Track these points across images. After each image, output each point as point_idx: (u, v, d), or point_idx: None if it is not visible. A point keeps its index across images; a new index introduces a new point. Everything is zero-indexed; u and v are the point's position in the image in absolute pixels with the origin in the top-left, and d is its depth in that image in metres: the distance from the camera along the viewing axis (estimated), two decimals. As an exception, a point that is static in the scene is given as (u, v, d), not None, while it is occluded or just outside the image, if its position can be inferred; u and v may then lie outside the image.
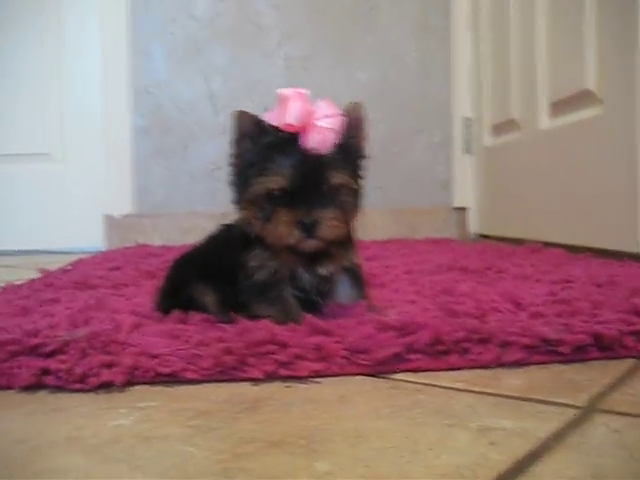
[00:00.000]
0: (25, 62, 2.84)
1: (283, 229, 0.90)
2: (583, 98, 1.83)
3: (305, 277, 0.97)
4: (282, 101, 0.90)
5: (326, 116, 0.89)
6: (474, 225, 2.83)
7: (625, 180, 1.64)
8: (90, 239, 2.80)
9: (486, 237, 2.68)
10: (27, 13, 2.83)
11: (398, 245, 2.34)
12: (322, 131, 0.89)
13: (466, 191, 2.85)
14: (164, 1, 2.84)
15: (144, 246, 2.45)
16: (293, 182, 0.89)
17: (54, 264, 1.84)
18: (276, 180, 0.90)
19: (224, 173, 2.88)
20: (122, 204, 2.81)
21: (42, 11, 2.83)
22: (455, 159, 2.88)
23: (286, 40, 2.87)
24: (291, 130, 0.89)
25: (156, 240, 2.75)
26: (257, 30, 2.87)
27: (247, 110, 0.95)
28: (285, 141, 0.90)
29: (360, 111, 0.96)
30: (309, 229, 0.89)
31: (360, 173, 0.98)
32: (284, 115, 0.89)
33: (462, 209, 2.87)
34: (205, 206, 2.81)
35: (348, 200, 0.94)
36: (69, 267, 1.83)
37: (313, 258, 0.96)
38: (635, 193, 1.58)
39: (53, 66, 2.85)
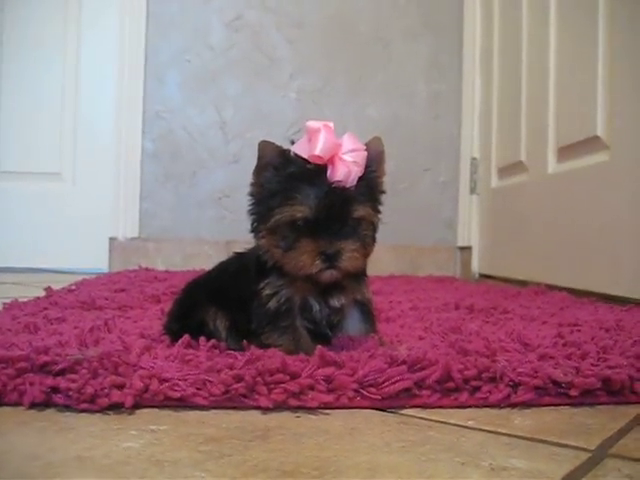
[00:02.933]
0: (45, 83, 2.89)
1: (306, 259, 0.90)
2: (591, 144, 1.85)
3: (316, 308, 0.97)
4: (310, 133, 0.91)
5: (351, 150, 0.90)
6: (477, 265, 2.84)
7: (630, 226, 1.65)
8: (93, 260, 2.81)
9: (488, 277, 2.69)
10: (50, 36, 2.88)
11: (401, 281, 2.34)
12: (348, 164, 0.90)
13: (470, 231, 2.87)
14: (181, 29, 2.88)
15: (148, 270, 2.45)
16: (318, 213, 0.90)
17: (58, 283, 1.84)
18: (301, 210, 0.90)
19: (231, 201, 2.90)
20: (128, 227, 2.82)
21: (64, 34, 2.88)
22: (461, 199, 2.90)
23: (298, 73, 2.91)
24: (318, 162, 0.90)
25: (159, 265, 2.75)
26: (270, 62, 2.91)
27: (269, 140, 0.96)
28: (310, 172, 0.91)
29: (381, 145, 0.97)
30: (330, 260, 0.90)
31: (379, 208, 0.99)
32: (312, 147, 0.90)
33: (466, 248, 2.88)
34: (210, 233, 2.82)
35: (368, 233, 0.95)
36: (73, 287, 1.83)
37: (326, 289, 0.97)
38: (641, 240, 1.60)
39: (70, 87, 2.89)
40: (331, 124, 0.91)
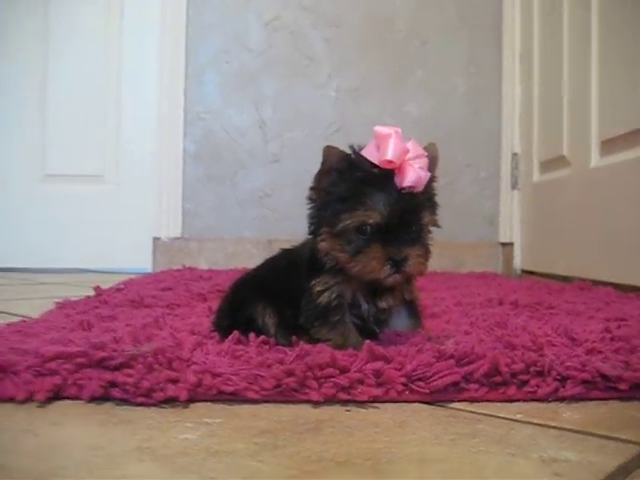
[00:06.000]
0: (88, 87, 2.95)
1: (375, 264, 0.91)
2: (635, 137, 1.83)
3: (364, 307, 0.99)
4: (379, 138, 0.91)
5: (416, 156, 0.91)
6: (519, 261, 2.82)
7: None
8: (137, 260, 2.86)
9: (530, 273, 2.66)
10: (93, 41, 2.96)
11: (443, 278, 2.34)
12: (417, 170, 0.90)
13: (512, 226, 2.84)
14: (219, 31, 2.92)
15: (192, 269, 2.49)
16: (388, 218, 0.91)
17: (105, 283, 1.88)
18: (372, 215, 0.91)
19: (272, 200, 2.92)
20: (171, 227, 2.87)
21: (105, 39, 2.95)
22: (502, 194, 2.88)
23: (336, 72, 2.92)
24: (388, 167, 0.91)
25: (202, 264, 2.79)
26: (308, 62, 2.93)
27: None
28: (378, 177, 0.91)
29: (436, 152, 0.98)
30: (397, 265, 0.91)
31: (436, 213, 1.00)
32: (382, 152, 0.90)
33: (508, 244, 2.86)
34: (252, 232, 2.85)
35: (429, 238, 0.98)
36: (122, 286, 1.87)
37: (376, 290, 0.98)
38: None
39: (113, 91, 2.95)
40: (399, 129, 0.92)
